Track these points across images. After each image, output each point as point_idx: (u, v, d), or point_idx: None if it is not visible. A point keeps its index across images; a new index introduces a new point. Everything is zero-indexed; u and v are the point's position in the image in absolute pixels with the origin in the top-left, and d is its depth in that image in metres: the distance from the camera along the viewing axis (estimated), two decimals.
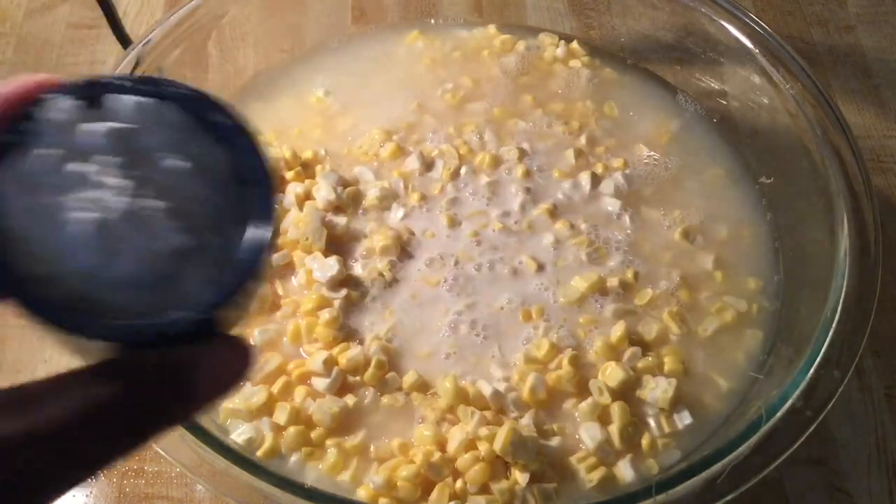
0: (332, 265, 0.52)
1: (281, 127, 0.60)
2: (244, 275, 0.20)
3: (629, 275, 0.53)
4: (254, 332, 0.50)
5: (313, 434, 0.46)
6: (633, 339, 0.51)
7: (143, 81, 0.21)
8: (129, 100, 0.20)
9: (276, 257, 0.52)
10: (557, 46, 0.66)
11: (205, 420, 0.45)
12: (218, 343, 0.21)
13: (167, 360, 0.19)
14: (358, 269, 0.53)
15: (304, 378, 0.48)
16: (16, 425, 0.18)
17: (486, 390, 0.47)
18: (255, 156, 0.21)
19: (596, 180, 0.58)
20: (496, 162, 0.58)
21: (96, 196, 0.19)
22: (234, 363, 0.21)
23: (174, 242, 0.20)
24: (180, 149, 0.20)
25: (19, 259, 0.19)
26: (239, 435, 0.46)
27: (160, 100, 0.21)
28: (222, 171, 0.21)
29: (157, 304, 0.20)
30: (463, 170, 0.58)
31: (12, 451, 0.18)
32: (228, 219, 0.20)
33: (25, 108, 0.20)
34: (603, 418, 0.47)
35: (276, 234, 0.21)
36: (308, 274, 0.52)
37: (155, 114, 0.20)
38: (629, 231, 0.56)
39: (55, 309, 0.19)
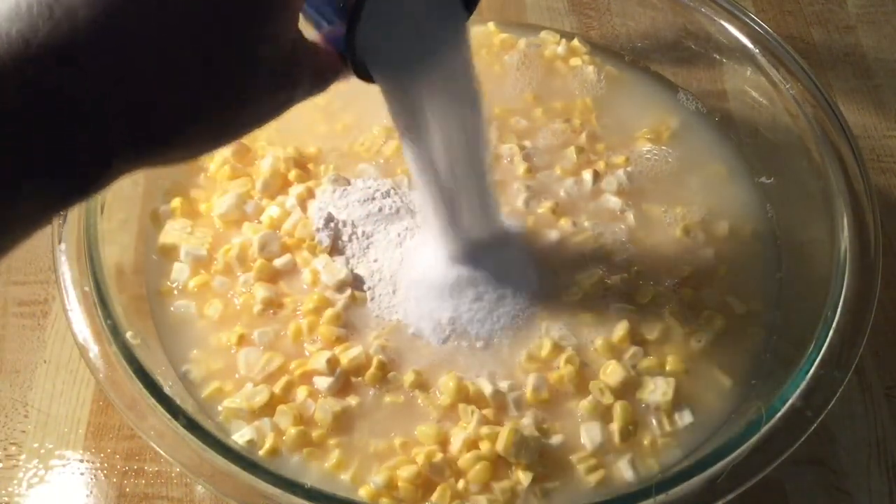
0: (340, 269, 0.51)
1: (281, 125, 0.60)
2: None
3: (632, 272, 0.53)
4: (254, 333, 0.50)
5: (314, 433, 0.46)
6: (635, 337, 0.51)
7: None
8: None
9: (279, 260, 0.52)
10: (558, 44, 0.66)
11: (205, 420, 0.45)
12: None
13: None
14: (361, 269, 0.53)
15: (307, 377, 0.48)
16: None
17: (487, 389, 0.47)
18: None
19: (598, 177, 0.58)
20: (498, 159, 0.58)
21: None
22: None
23: None
24: None
25: None
26: (241, 436, 0.46)
27: None
28: None
29: None
30: None
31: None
32: None
33: None
34: (604, 417, 0.47)
35: None
36: (314, 274, 0.52)
37: None
38: (631, 228, 0.56)
39: None
